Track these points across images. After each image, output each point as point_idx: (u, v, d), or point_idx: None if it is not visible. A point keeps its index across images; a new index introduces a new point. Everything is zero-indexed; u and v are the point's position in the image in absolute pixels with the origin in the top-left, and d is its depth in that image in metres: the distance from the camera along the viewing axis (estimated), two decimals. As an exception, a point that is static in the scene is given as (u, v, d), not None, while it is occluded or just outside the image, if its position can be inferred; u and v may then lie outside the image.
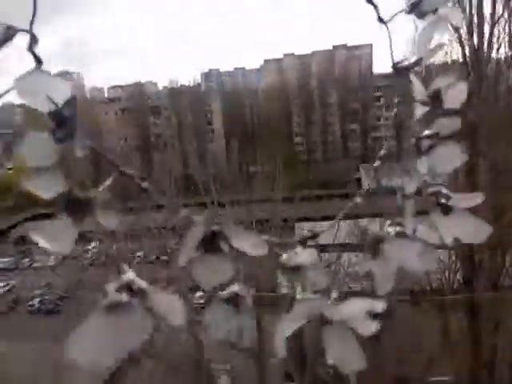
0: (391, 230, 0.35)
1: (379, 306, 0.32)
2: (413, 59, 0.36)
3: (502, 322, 4.82)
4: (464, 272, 5.13)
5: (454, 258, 5.35)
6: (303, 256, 0.36)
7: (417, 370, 4.70)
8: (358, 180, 23.15)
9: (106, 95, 38.73)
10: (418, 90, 0.34)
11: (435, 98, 0.34)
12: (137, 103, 32.05)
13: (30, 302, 7.26)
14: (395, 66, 0.37)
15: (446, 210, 0.32)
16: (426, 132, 0.35)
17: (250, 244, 0.31)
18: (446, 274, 5.38)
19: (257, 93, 32.00)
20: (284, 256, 0.37)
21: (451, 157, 0.34)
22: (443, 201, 0.32)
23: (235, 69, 35.71)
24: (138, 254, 6.59)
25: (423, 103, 0.34)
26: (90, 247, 6.92)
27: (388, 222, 0.35)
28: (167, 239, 5.67)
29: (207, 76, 35.59)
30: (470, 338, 4.81)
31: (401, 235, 0.33)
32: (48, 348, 4.55)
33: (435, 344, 5.06)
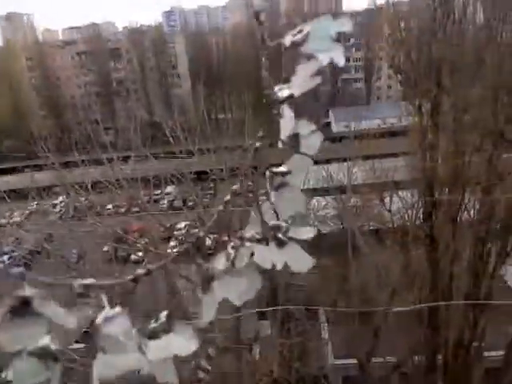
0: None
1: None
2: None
3: (458, 255, 5.21)
4: (425, 209, 5.39)
5: (416, 197, 5.62)
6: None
7: (380, 304, 5.07)
8: (328, 124, 23.20)
9: (60, 38, 36.03)
10: (285, 128, 0.37)
11: (294, 140, 0.39)
12: (95, 46, 30.04)
13: (0, 259, 7.21)
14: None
15: (281, 243, 0.41)
16: (281, 168, 0.40)
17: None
18: (409, 212, 5.67)
19: (223, 33, 30.59)
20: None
21: (295, 202, 0.40)
22: (280, 235, 0.40)
23: (199, 7, 33.72)
24: (108, 206, 6.55)
25: (283, 143, 0.39)
26: (57, 201, 6.81)
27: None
28: (137, 190, 5.64)
29: (169, 15, 33.53)
30: (430, 271, 5.19)
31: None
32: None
33: (397, 278, 5.43)
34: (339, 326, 4.92)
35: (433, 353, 5.19)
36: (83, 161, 5.76)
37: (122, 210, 8.06)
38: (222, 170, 5.70)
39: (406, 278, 5.39)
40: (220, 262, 0.41)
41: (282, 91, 0.38)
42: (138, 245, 5.54)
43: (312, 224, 5.73)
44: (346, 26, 0.37)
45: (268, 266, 0.42)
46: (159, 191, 7.83)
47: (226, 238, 6.09)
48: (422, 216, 5.47)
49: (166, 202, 8.38)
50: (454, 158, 4.91)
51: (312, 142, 0.37)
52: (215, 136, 6.23)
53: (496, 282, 5.10)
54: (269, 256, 0.41)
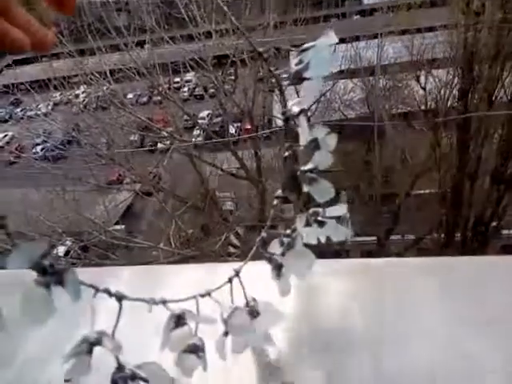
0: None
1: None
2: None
3: (489, 136, 5.14)
4: (461, 86, 5.18)
5: (451, 75, 5.35)
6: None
7: (404, 187, 5.22)
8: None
9: None
10: (303, 136, 0.44)
11: (314, 143, 0.44)
12: None
13: (34, 150, 7.55)
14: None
15: (321, 223, 0.50)
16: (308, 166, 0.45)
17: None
18: (442, 91, 5.46)
19: None
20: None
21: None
22: (320, 218, 0.49)
23: None
24: (129, 95, 6.56)
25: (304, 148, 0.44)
26: (79, 92, 6.85)
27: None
28: (156, 77, 5.56)
29: None
30: (458, 152, 5.19)
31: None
32: (64, 190, 5.00)
33: (424, 161, 5.48)
34: (360, 207, 5.16)
35: (452, 231, 5.47)
36: (99, 47, 5.62)
37: (144, 99, 8.06)
38: (242, 52, 5.47)
39: (433, 161, 5.43)
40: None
41: (296, 106, 0.45)
42: (164, 133, 5.68)
43: (337, 109, 5.64)
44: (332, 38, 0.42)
45: (314, 241, 0.50)
46: (179, 79, 7.68)
47: (248, 126, 6.15)
48: (456, 95, 5.28)
49: (186, 90, 8.27)
50: (499, 27, 4.55)
51: (328, 142, 0.43)
52: (234, 15, 5.83)
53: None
54: (312, 233, 0.50)
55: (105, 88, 5.69)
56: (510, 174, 5.06)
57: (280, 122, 5.98)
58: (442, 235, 5.60)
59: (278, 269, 0.45)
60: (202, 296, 0.40)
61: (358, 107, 6.43)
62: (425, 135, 5.55)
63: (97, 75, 5.47)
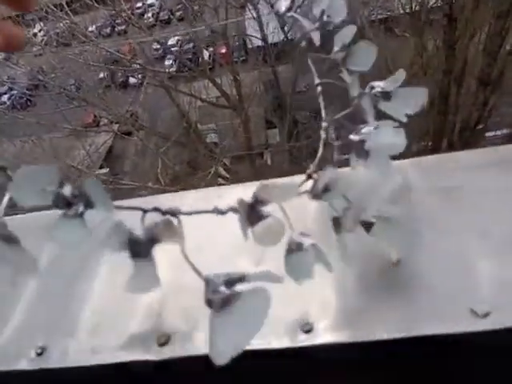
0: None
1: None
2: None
3: (476, 36, 4.99)
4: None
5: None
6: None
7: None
8: None
9: None
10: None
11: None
12: None
13: (0, 100, 7.23)
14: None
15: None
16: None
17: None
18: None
19: None
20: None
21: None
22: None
23: None
24: (90, 28, 6.13)
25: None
26: (36, 30, 6.40)
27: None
28: (118, 3, 5.18)
29: None
30: (444, 56, 5.06)
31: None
32: (40, 138, 4.88)
33: (408, 66, 5.35)
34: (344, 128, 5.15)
35: (439, 137, 5.52)
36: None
37: (107, 30, 7.55)
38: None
39: (418, 67, 5.32)
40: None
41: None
42: (134, 65, 5.43)
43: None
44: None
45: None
46: (140, 3, 7.15)
47: (223, 50, 5.87)
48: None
49: (150, 15, 7.73)
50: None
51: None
52: None
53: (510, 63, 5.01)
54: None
55: (63, 22, 5.32)
56: (496, 75, 5.00)
57: (257, 41, 5.71)
58: (429, 142, 5.67)
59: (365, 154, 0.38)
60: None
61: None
62: (407, 41, 5.37)
63: (52, 8, 5.08)
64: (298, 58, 5.18)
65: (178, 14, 6.21)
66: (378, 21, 5.86)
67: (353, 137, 0.38)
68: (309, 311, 0.38)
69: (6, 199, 0.28)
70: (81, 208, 0.29)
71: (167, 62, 6.64)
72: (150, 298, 0.42)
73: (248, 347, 0.29)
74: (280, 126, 5.18)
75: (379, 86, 0.40)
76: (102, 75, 6.14)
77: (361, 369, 0.40)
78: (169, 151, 5.13)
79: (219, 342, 0.28)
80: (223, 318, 0.28)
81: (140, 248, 0.30)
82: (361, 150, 0.37)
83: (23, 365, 0.41)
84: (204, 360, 0.31)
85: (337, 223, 0.36)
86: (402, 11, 5.49)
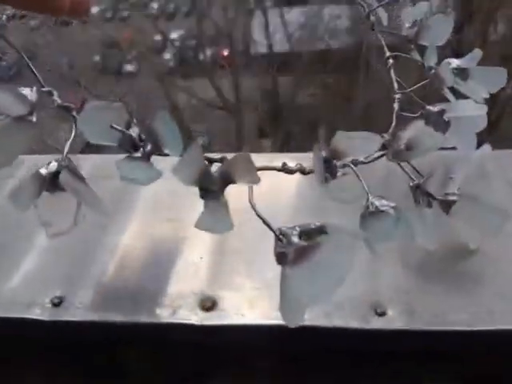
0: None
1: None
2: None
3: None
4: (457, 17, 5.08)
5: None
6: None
7: (384, 123, 5.25)
8: None
9: None
10: None
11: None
12: None
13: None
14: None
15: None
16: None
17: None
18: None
19: None
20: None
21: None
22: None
23: None
24: (93, 10, 6.08)
25: None
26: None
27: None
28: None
29: None
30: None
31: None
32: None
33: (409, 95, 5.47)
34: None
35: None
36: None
37: (109, 14, 7.51)
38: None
39: (419, 95, 5.43)
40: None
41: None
42: (130, 56, 5.40)
43: (323, 37, 5.46)
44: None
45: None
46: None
47: (226, 53, 5.88)
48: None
49: (156, 6, 7.74)
50: None
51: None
52: None
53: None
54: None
55: None
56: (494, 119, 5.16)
57: (262, 48, 5.76)
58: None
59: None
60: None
61: (343, 36, 6.23)
62: (413, 67, 5.49)
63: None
64: (300, 70, 5.24)
65: (183, 8, 6.22)
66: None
67: (431, 108, 0.36)
68: (380, 292, 0.37)
69: (72, 134, 0.27)
70: (148, 150, 0.28)
71: (166, 56, 6.62)
72: (191, 253, 0.41)
73: (310, 323, 0.30)
74: (273, 137, 5.21)
75: (455, 62, 0.40)
76: (96, 58, 6.08)
77: (433, 359, 0.39)
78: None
79: (292, 302, 0.26)
80: (298, 274, 0.25)
81: (213, 186, 0.28)
82: (439, 122, 0.35)
83: (37, 313, 0.40)
84: (256, 330, 0.32)
85: (417, 192, 0.32)
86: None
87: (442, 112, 0.36)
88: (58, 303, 0.40)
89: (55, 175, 0.32)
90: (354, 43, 5.93)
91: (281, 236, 0.25)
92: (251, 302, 0.40)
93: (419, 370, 0.40)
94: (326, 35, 5.37)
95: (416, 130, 0.32)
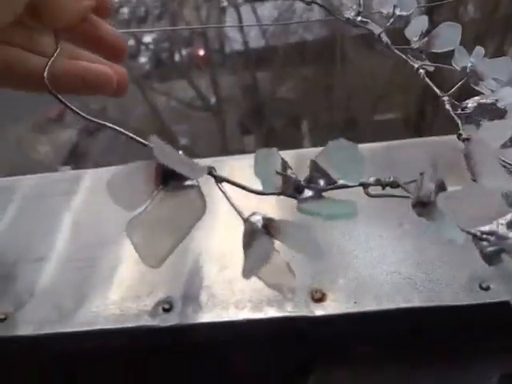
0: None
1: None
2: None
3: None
4: None
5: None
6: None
7: (365, 112, 5.37)
8: None
9: None
10: None
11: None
12: None
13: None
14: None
15: None
16: None
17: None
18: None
19: None
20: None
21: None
22: None
23: None
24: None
25: None
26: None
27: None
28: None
29: None
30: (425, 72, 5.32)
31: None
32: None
33: (386, 84, 5.61)
34: (323, 136, 5.32)
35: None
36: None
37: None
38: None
39: (396, 83, 5.55)
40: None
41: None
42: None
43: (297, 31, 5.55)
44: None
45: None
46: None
47: (201, 53, 5.95)
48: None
49: (126, 11, 7.73)
50: None
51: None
52: None
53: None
54: None
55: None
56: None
57: (237, 46, 5.83)
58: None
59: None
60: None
61: (317, 29, 6.33)
62: (387, 58, 5.61)
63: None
64: (278, 65, 5.33)
65: (155, 12, 6.26)
66: (361, 36, 6.10)
67: (483, 100, 0.36)
68: (479, 269, 0.44)
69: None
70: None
71: (141, 60, 6.65)
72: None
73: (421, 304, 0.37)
74: (256, 133, 5.29)
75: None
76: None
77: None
78: (138, 152, 5.12)
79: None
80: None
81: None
82: (494, 113, 0.35)
83: (149, 321, 0.43)
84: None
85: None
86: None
87: (494, 104, 0.35)
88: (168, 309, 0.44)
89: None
90: (327, 35, 6.05)
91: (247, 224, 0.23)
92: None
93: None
94: (300, 28, 5.46)
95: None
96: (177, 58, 5.84)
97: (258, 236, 0.22)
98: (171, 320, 0.43)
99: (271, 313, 0.42)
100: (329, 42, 5.31)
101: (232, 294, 0.45)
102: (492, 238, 0.22)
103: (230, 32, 5.58)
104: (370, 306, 0.44)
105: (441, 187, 0.22)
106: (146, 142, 0.27)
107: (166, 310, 0.44)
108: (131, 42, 6.08)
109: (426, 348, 0.47)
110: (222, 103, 5.36)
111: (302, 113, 5.47)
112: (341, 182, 0.24)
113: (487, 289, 0.44)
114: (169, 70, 5.91)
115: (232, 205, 0.23)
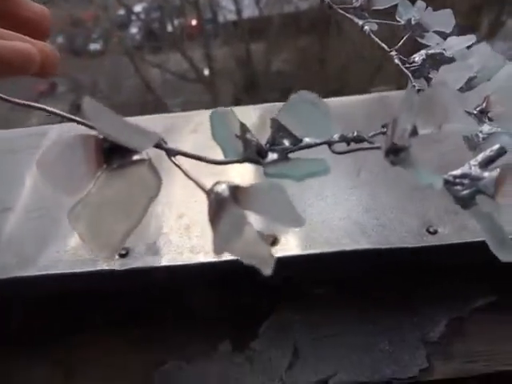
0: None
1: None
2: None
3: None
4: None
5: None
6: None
7: (362, 83, 5.32)
8: None
9: None
10: None
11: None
12: None
13: None
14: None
15: None
16: None
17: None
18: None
19: None
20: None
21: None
22: None
23: None
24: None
25: None
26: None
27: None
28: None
29: None
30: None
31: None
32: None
33: (380, 55, 5.54)
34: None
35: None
36: None
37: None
38: None
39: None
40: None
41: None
42: (95, 35, 5.35)
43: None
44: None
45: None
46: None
47: (194, 23, 5.84)
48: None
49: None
50: None
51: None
52: None
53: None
54: None
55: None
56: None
57: (231, 15, 5.73)
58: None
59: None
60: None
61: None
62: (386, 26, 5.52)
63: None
64: (272, 36, 5.26)
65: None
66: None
67: (432, 50, 0.37)
68: (428, 215, 0.47)
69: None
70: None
71: (132, 30, 6.54)
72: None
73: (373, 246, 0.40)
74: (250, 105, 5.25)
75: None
76: (60, 40, 5.99)
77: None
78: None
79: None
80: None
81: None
82: (443, 63, 0.34)
83: (105, 265, 0.44)
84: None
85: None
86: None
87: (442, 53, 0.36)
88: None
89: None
90: (322, 4, 5.92)
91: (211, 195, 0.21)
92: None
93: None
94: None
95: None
96: (169, 28, 5.74)
97: (227, 207, 0.19)
98: (127, 264, 0.44)
99: (224, 256, 0.45)
100: (324, 11, 5.20)
101: (188, 240, 0.46)
102: (465, 181, 0.21)
103: (223, 0, 5.48)
104: (320, 248, 0.46)
105: (413, 131, 0.21)
106: (87, 122, 0.24)
107: (122, 256, 0.45)
108: (122, 12, 5.98)
109: (377, 292, 0.49)
110: (216, 75, 5.31)
111: (297, 84, 5.41)
112: (306, 140, 0.23)
113: (435, 233, 0.46)
114: (162, 42, 5.82)
115: (191, 178, 0.20)
